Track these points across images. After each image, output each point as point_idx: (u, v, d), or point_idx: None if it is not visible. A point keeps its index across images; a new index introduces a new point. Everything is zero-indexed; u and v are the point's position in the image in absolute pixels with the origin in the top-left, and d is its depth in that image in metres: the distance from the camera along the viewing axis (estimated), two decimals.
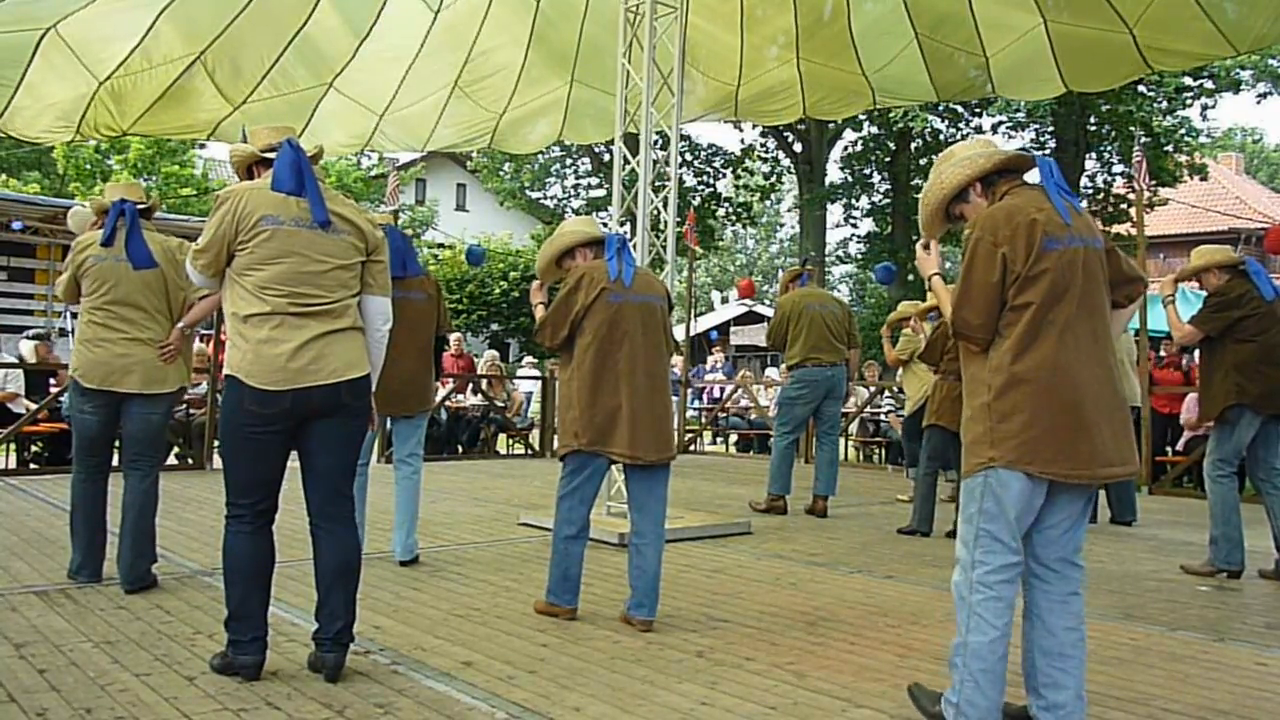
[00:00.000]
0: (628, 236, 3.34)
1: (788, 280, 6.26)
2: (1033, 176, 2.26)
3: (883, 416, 10.35)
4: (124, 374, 3.38)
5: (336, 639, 2.52)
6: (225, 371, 2.53)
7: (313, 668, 2.58)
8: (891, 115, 15.62)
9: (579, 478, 3.15)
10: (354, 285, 2.59)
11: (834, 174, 19.04)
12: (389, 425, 4.18)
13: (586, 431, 3.07)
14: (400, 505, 4.03)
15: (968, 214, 2.28)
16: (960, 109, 16.43)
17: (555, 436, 3.28)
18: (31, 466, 7.27)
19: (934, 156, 18.71)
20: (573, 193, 21.23)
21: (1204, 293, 4.28)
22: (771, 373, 14.55)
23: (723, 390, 12.09)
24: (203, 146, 18.69)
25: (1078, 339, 2.11)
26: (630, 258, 3.21)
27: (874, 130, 17.57)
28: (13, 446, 7.30)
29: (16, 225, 8.94)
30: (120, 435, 3.54)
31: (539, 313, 3.29)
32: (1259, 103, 26.84)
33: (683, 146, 18.06)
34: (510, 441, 10.29)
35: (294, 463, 2.58)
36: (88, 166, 18.26)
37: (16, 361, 7.72)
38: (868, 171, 18.57)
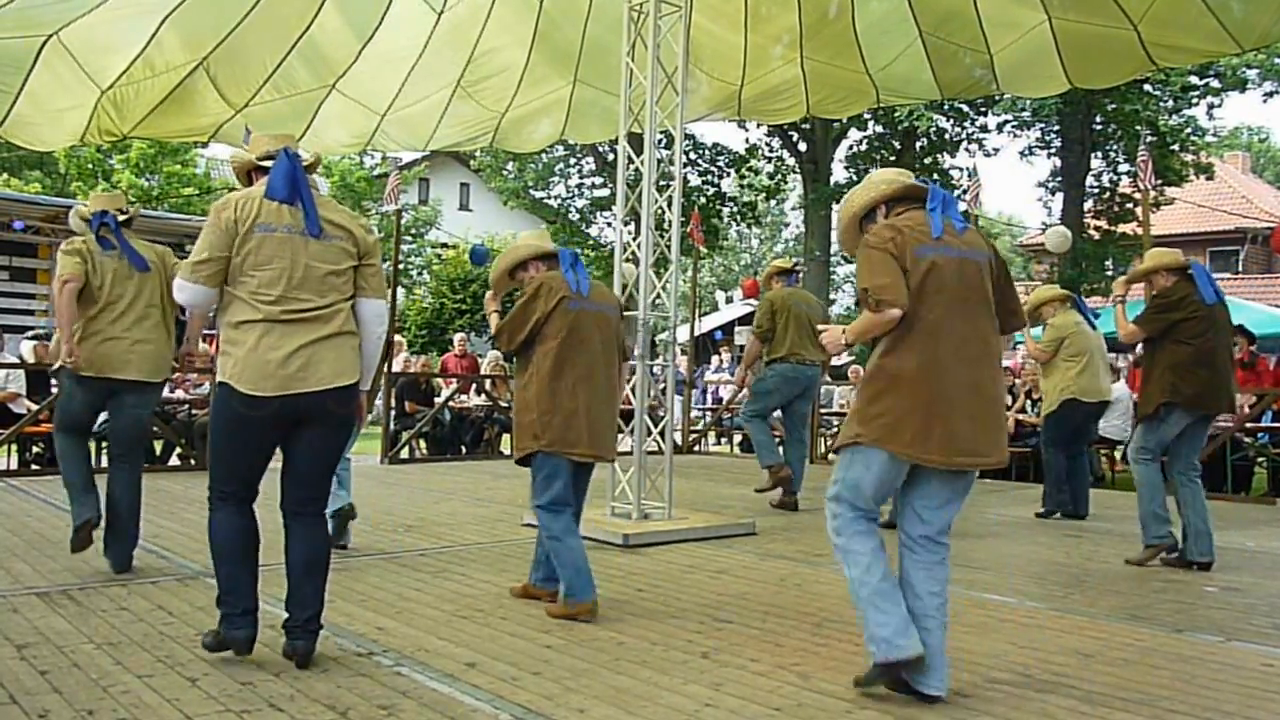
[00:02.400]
0: (579, 253, 3.59)
1: (773, 274, 6.20)
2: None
3: None
4: (123, 364, 3.56)
5: (306, 626, 2.61)
6: (218, 378, 2.58)
7: (285, 656, 2.63)
8: (896, 114, 15.58)
9: (553, 484, 3.24)
10: (346, 290, 2.65)
11: (839, 173, 18.99)
12: None
13: (546, 433, 3.19)
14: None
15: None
16: (965, 107, 16.38)
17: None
18: (33, 467, 7.27)
19: (939, 156, 18.68)
20: (576, 192, 21.19)
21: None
22: None
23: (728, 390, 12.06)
24: (205, 146, 18.69)
25: (948, 338, 2.38)
26: (584, 271, 3.38)
27: (879, 129, 17.52)
28: (14, 447, 7.31)
29: (18, 225, 8.94)
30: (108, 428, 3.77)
31: (494, 320, 3.43)
32: (1265, 101, 26.77)
33: (687, 146, 17.96)
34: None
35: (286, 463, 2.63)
36: (89, 166, 18.26)
37: (18, 362, 7.72)
38: (872, 171, 18.52)
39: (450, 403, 9.58)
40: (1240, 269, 23.34)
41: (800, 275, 6.55)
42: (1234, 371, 4.38)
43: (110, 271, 3.57)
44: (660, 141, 5.40)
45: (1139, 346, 4.85)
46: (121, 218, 3.66)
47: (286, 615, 2.64)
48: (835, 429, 10.06)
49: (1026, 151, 17.94)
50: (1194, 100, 15.60)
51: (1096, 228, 16.96)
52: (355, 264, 2.67)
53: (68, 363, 3.51)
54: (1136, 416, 4.51)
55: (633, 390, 5.21)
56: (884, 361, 2.43)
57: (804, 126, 17.22)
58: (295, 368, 2.51)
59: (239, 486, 2.63)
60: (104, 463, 4.09)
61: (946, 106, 15.86)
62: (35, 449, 7.60)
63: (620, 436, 5.31)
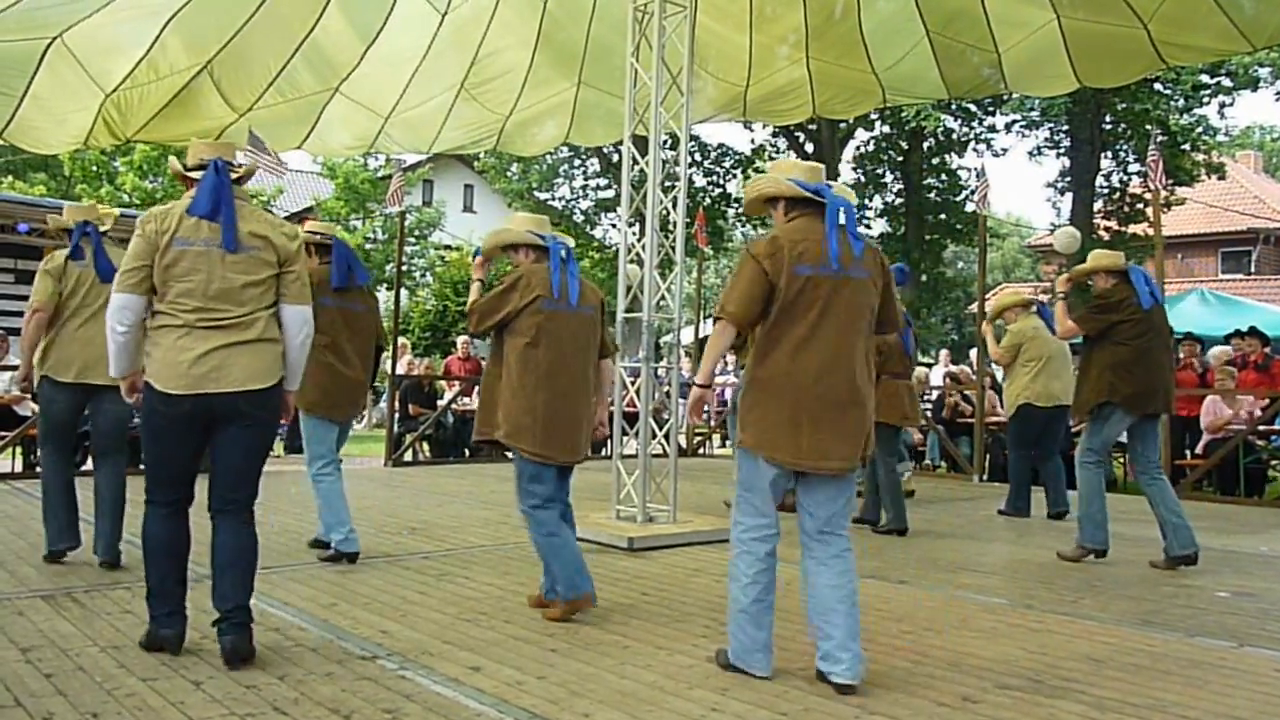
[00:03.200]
0: (572, 247, 3.53)
1: None
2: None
3: None
4: (96, 369, 3.72)
5: (229, 618, 2.65)
6: (144, 379, 2.72)
7: (223, 657, 2.66)
8: (904, 114, 15.52)
9: (536, 486, 3.24)
10: (266, 299, 2.75)
11: (846, 174, 18.92)
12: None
13: (505, 424, 3.19)
14: (338, 502, 4.13)
15: (773, 214, 2.81)
16: (973, 107, 16.31)
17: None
18: (38, 470, 7.28)
19: (947, 156, 18.52)
20: (581, 193, 21.20)
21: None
22: None
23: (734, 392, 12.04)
24: None
25: (816, 352, 2.56)
26: (574, 269, 3.37)
27: (886, 129, 17.45)
28: (18, 450, 7.31)
29: (22, 228, 8.95)
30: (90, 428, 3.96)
31: (475, 289, 3.42)
32: (1278, 100, 26.50)
33: (692, 147, 17.87)
34: None
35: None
36: (94, 168, 18.28)
37: None
38: (880, 171, 18.43)
39: (453, 405, 9.58)
40: (1253, 270, 23.13)
41: None
42: (1173, 373, 4.54)
43: (86, 282, 3.80)
44: (665, 142, 5.37)
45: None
46: (103, 229, 3.91)
47: (216, 615, 2.69)
48: None
49: (1035, 151, 17.85)
50: (1205, 99, 15.48)
51: (1106, 228, 16.84)
52: (276, 272, 2.76)
53: (20, 388, 3.78)
54: (1076, 417, 4.65)
55: (637, 393, 5.19)
56: (757, 371, 2.62)
57: (810, 127, 17.17)
58: (207, 369, 2.62)
59: (170, 487, 2.74)
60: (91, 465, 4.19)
61: (954, 106, 15.80)
62: (40, 452, 7.61)
63: (625, 439, 5.31)
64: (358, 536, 4.13)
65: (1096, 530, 4.43)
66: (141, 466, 2.78)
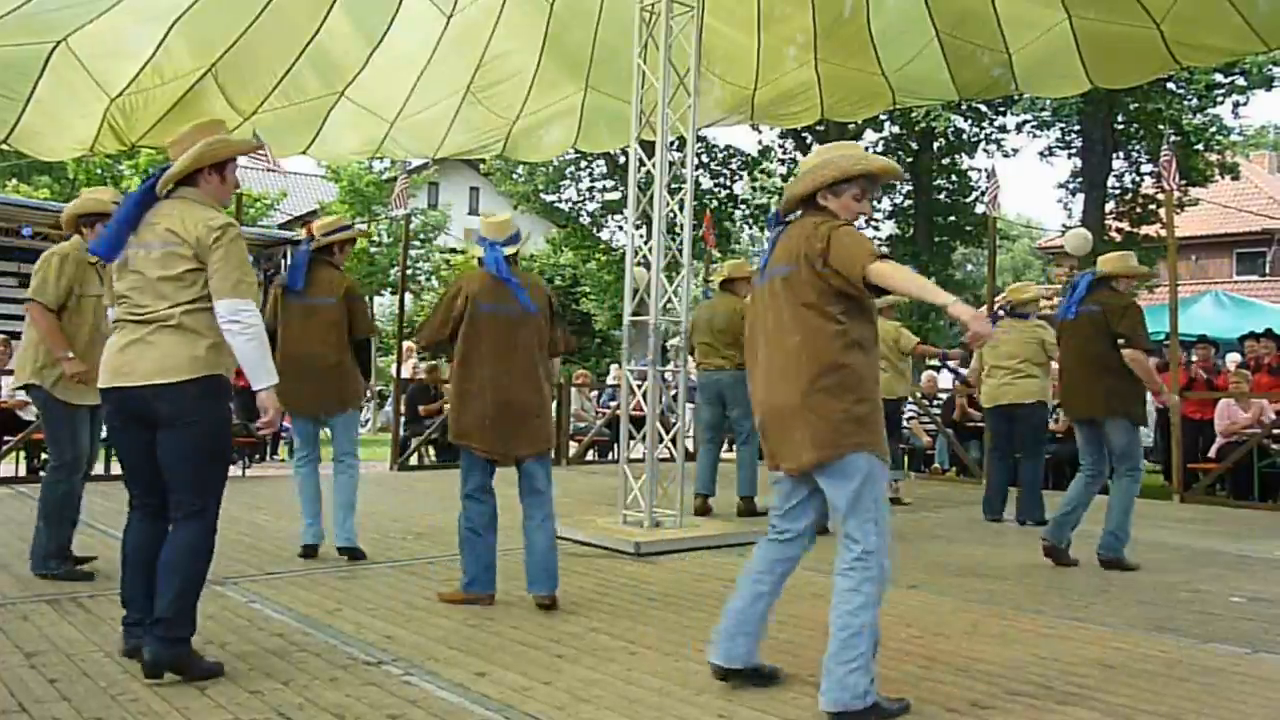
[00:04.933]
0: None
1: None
2: None
3: (905, 423, 10.19)
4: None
5: (151, 630, 2.55)
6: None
7: (130, 655, 2.67)
8: (913, 115, 15.44)
9: (469, 476, 3.51)
10: (188, 292, 2.67)
11: None
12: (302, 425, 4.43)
13: (455, 425, 3.51)
14: (336, 499, 4.21)
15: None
16: (984, 107, 16.21)
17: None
18: (41, 474, 7.30)
19: (957, 156, 18.38)
20: (588, 195, 21.18)
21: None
22: None
23: None
24: None
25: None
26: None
27: (895, 130, 17.38)
28: (22, 454, 7.31)
29: (26, 232, 8.93)
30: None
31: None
32: None
33: (699, 148, 17.88)
34: None
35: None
36: (99, 171, 18.34)
37: None
38: None
39: None
40: (1267, 271, 22.90)
41: (715, 282, 6.75)
42: (1095, 377, 4.45)
43: None
44: (672, 144, 5.35)
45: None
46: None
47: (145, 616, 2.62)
48: None
49: (1046, 152, 17.72)
50: (1219, 99, 15.34)
51: (1118, 229, 16.71)
52: (194, 266, 2.67)
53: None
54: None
55: (644, 396, 5.17)
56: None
57: (818, 128, 17.10)
58: (120, 363, 2.68)
59: (138, 490, 2.75)
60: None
61: (964, 106, 15.72)
62: (44, 455, 7.64)
63: (631, 443, 5.29)
64: (319, 530, 4.25)
65: (1062, 530, 4.49)
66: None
